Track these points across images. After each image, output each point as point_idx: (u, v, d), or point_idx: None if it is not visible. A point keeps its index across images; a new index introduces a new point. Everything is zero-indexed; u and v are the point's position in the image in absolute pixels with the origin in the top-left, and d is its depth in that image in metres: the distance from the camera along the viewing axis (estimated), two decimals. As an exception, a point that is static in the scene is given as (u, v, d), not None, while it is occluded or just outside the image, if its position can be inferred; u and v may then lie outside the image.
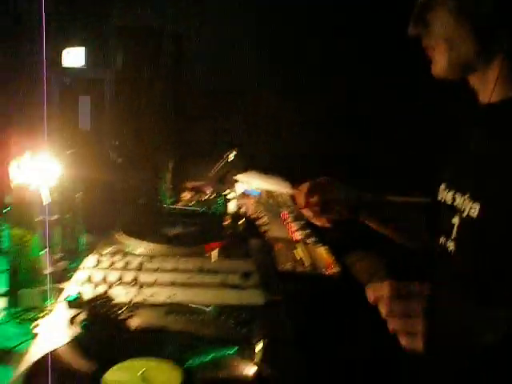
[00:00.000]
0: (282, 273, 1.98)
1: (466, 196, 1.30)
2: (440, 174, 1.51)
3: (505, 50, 1.24)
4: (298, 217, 2.68)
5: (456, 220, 1.33)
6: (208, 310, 1.39)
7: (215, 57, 4.11)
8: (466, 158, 1.37)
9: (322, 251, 2.19)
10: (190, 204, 2.94)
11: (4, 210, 1.94)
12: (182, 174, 3.31)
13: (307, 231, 2.46)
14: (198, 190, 3.23)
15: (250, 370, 1.11)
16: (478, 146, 1.32)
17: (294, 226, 2.53)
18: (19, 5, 3.83)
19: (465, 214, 1.28)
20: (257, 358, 1.15)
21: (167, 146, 3.34)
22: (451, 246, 1.34)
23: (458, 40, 1.27)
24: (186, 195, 3.16)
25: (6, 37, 3.92)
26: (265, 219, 2.62)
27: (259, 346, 1.16)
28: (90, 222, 2.21)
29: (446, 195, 1.42)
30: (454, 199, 1.36)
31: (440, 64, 1.32)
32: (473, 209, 1.25)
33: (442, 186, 1.46)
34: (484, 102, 1.33)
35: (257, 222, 2.57)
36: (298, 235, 2.44)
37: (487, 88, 1.31)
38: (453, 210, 1.35)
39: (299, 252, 2.15)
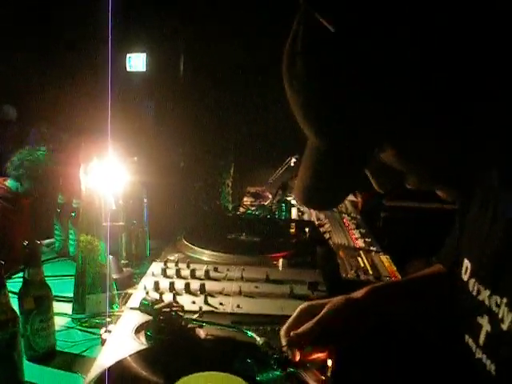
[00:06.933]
0: (346, 281, 1.94)
1: (503, 301, 0.95)
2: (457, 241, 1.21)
3: None
4: (360, 224, 2.64)
5: (484, 322, 1.01)
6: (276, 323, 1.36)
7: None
8: (493, 239, 1.01)
9: (384, 260, 2.15)
10: (251, 209, 2.92)
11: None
12: (243, 179, 3.31)
13: (369, 239, 2.42)
14: (258, 196, 3.22)
15: (318, 385, 1.08)
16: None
17: (355, 234, 2.49)
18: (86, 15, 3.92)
19: (505, 325, 0.94)
20: (327, 374, 1.12)
21: (229, 151, 3.33)
22: (480, 354, 1.02)
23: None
24: (247, 200, 3.15)
25: (72, 46, 4.02)
26: (327, 226, 2.58)
27: (329, 362, 1.13)
28: (156, 228, 2.22)
29: (468, 280, 1.09)
30: (478, 292, 1.04)
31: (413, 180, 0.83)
32: None
33: (466, 263, 1.12)
34: None
35: (321, 229, 2.53)
36: (360, 242, 2.39)
37: None
38: (479, 306, 1.02)
39: (362, 260, 2.11)
